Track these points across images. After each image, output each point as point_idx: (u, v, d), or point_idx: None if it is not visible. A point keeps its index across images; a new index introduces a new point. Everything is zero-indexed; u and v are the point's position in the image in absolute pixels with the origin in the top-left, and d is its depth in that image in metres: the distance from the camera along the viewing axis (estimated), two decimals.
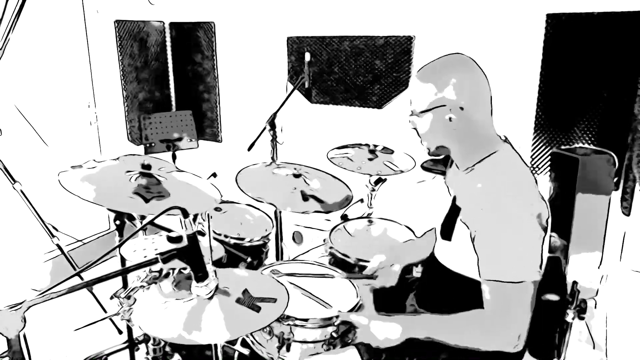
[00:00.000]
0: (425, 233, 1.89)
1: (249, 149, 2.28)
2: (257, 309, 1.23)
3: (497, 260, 1.28)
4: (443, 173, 1.70)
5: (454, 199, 1.48)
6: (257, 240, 2.25)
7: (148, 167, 1.68)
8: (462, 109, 1.34)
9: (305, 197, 2.09)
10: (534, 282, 1.25)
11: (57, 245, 2.60)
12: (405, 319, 1.41)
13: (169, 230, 1.22)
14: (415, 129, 1.46)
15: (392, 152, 2.58)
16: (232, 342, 1.65)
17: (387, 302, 1.75)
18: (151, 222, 1.36)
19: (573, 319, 1.42)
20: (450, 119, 1.35)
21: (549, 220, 1.32)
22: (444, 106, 1.35)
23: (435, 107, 1.36)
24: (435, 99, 1.35)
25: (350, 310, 1.55)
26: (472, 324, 1.31)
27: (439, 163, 2.88)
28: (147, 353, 1.54)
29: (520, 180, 1.33)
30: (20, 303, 0.94)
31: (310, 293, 1.63)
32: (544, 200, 1.33)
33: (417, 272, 2.08)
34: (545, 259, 1.31)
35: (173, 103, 4.04)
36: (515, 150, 1.43)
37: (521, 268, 1.25)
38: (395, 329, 1.37)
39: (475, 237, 1.32)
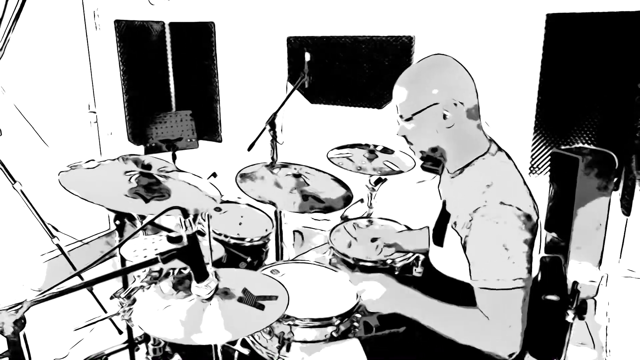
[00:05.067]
0: (422, 228, 1.89)
1: (249, 149, 2.28)
2: (261, 307, 1.23)
3: (484, 266, 1.28)
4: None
5: (444, 204, 1.48)
6: (257, 240, 2.25)
7: (148, 167, 1.68)
8: (455, 104, 1.35)
9: (305, 197, 2.10)
10: (525, 287, 1.25)
11: (57, 245, 2.60)
12: (404, 290, 1.43)
13: (169, 230, 1.22)
14: (404, 136, 1.46)
15: (392, 152, 2.58)
16: (232, 342, 1.65)
17: None
18: (151, 222, 1.36)
19: (573, 319, 1.42)
20: (444, 116, 1.35)
21: (539, 223, 1.32)
22: (437, 104, 1.35)
23: (427, 106, 1.36)
24: (426, 99, 1.36)
25: (350, 312, 1.55)
26: (468, 320, 1.31)
27: (439, 163, 2.88)
28: (147, 353, 1.54)
29: (506, 184, 1.32)
30: (21, 303, 0.94)
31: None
32: (534, 203, 1.33)
33: (417, 272, 2.08)
34: (536, 256, 1.32)
35: (173, 103, 4.04)
36: (504, 151, 1.43)
37: (509, 274, 1.24)
38: (388, 295, 1.40)
39: (465, 243, 1.32)
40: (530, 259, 1.27)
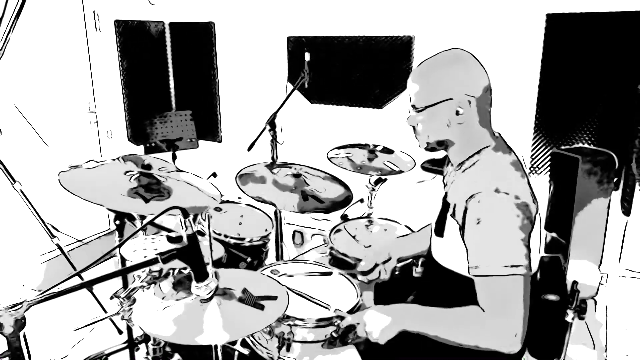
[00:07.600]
0: (422, 228, 1.89)
1: (249, 149, 2.29)
2: (261, 307, 1.23)
3: (477, 252, 1.27)
4: (443, 173, 1.71)
5: (445, 195, 1.48)
6: (257, 240, 2.25)
7: (148, 167, 1.68)
8: (469, 102, 1.34)
9: (305, 197, 2.10)
10: (524, 275, 1.21)
11: (57, 245, 2.60)
12: (399, 309, 1.40)
13: (169, 230, 1.22)
14: (413, 126, 1.45)
15: (392, 152, 2.58)
16: (232, 342, 1.65)
17: (388, 302, 1.75)
18: (151, 222, 1.36)
19: (573, 319, 1.42)
20: (457, 112, 1.35)
21: (537, 216, 1.32)
22: (451, 99, 1.35)
23: (442, 100, 1.36)
24: (442, 93, 1.35)
25: (351, 311, 1.55)
26: (467, 319, 1.28)
27: (439, 163, 2.88)
28: (147, 353, 1.54)
29: (503, 174, 1.32)
30: (21, 303, 0.94)
31: (308, 295, 1.63)
32: (534, 196, 1.32)
33: (417, 272, 2.08)
34: (536, 255, 1.31)
35: (173, 103, 4.04)
36: (508, 145, 1.43)
37: (507, 259, 1.22)
38: (388, 319, 1.36)
39: (463, 230, 1.32)
40: (528, 248, 1.24)
